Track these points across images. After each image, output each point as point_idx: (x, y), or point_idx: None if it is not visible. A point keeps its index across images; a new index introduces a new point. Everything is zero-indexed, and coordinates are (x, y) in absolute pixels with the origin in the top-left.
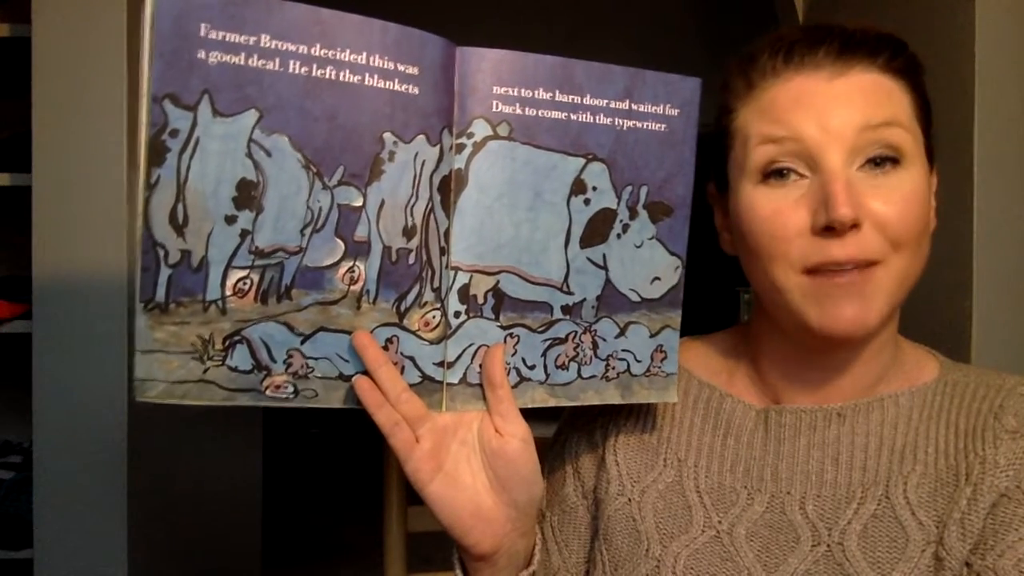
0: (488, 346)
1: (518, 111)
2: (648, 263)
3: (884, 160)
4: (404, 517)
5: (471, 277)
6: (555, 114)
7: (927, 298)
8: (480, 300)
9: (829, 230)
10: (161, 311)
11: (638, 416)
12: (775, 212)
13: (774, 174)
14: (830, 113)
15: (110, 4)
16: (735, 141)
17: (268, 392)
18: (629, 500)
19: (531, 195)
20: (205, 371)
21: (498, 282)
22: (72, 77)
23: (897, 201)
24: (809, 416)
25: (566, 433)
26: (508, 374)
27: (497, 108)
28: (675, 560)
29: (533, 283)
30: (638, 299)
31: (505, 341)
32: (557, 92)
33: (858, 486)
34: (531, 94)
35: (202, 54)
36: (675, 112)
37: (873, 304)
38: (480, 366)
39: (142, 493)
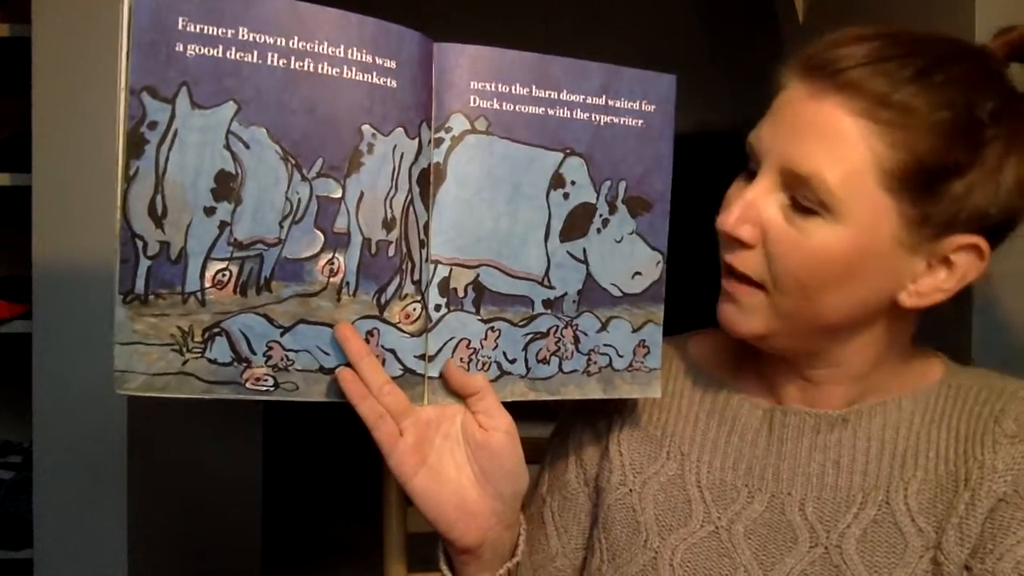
0: (469, 339)
1: (496, 106)
2: (628, 258)
3: (804, 209)
4: (404, 517)
5: (451, 270)
6: (533, 109)
7: None
8: (460, 293)
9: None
10: (140, 303)
11: (644, 408)
12: (725, 205)
13: (748, 172)
14: (781, 136)
15: (110, 4)
16: None
17: (248, 385)
18: (630, 491)
19: (510, 189)
20: (184, 363)
21: (478, 275)
22: (72, 77)
23: (797, 245)
24: (813, 419)
25: (571, 420)
26: (488, 368)
27: (475, 103)
28: (672, 553)
29: (513, 277)
30: (619, 294)
31: (486, 335)
32: (534, 87)
33: (859, 490)
34: (508, 89)
35: (180, 47)
36: (651, 108)
37: (750, 319)
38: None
39: (142, 493)
